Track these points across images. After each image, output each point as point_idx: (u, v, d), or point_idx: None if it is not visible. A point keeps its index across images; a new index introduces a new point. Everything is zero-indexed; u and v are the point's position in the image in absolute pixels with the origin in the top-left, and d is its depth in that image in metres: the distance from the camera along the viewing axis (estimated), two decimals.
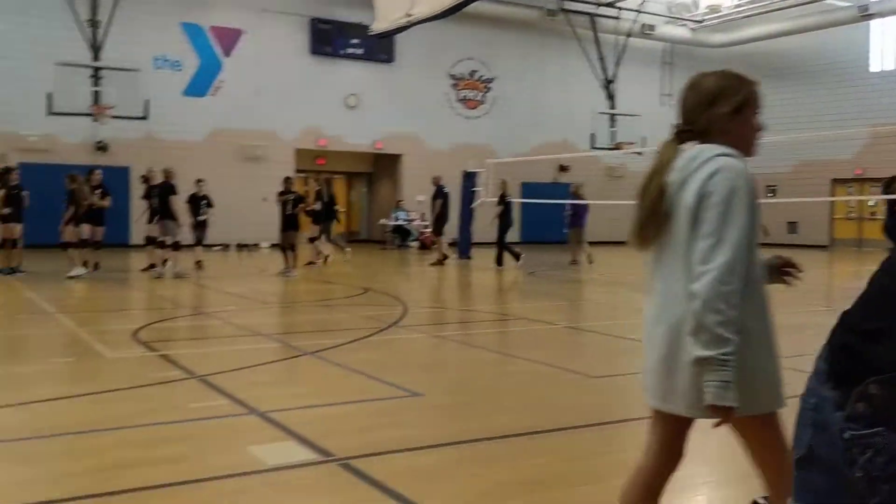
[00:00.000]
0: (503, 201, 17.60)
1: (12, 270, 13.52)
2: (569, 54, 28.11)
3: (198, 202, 15.12)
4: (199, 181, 15.34)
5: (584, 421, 4.89)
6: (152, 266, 14.18)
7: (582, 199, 18.98)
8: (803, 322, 9.81)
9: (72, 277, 13.08)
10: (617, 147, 25.36)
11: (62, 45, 20.37)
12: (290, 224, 14.82)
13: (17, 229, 13.65)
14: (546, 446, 4.36)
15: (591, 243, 19.49)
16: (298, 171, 24.90)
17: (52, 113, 19.03)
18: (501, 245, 17.57)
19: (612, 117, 26.72)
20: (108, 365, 6.49)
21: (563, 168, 28.45)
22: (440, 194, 18.48)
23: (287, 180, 15.38)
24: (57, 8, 20.14)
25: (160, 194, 14.19)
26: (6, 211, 13.48)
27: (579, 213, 18.86)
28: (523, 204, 26.67)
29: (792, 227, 29.26)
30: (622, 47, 26.77)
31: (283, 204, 14.85)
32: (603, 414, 5.12)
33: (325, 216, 16.81)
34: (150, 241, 14.50)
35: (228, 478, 3.73)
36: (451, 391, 5.74)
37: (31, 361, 6.74)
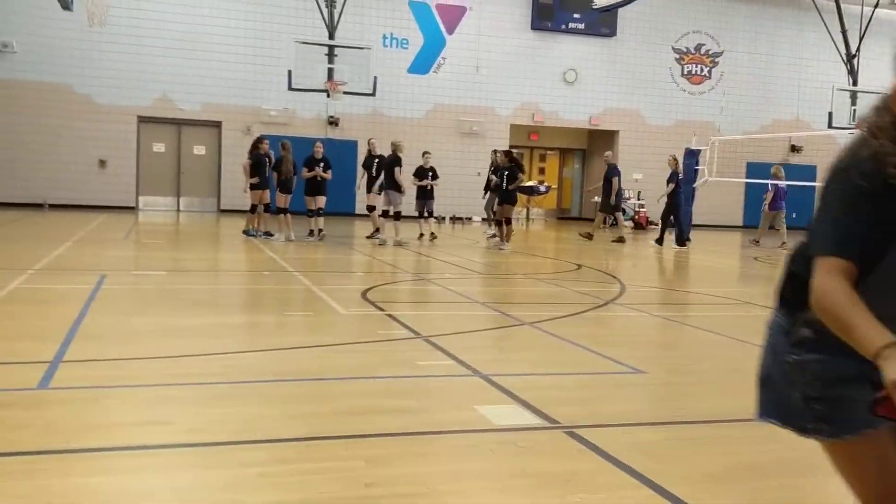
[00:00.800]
0: (674, 178, 16.80)
1: (266, 233, 14.77)
2: (805, 26, 26.15)
3: (425, 173, 15.70)
4: (425, 153, 15.95)
5: None
6: (376, 231, 14.94)
7: (781, 181, 18.06)
8: None
9: (277, 241, 14.11)
10: (858, 127, 23.26)
11: (302, 24, 21.85)
12: (506, 198, 14.99)
13: (266, 195, 14.81)
14: (777, 434, 4.11)
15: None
16: (512, 146, 25.15)
17: (291, 88, 20.46)
18: (679, 222, 16.94)
19: (854, 95, 24.53)
20: (342, 320, 6.94)
21: (794, 148, 26.62)
22: (614, 172, 17.91)
23: (507, 154, 15.65)
24: None
25: (386, 166, 14.87)
26: (255, 180, 14.68)
27: (779, 195, 18.05)
28: (747, 185, 25.31)
29: None
30: (869, 19, 24.44)
31: (501, 178, 15.05)
32: None
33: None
34: (371, 210, 15.26)
35: (459, 433, 3.87)
36: (676, 371, 5.59)
37: (276, 313, 7.36)
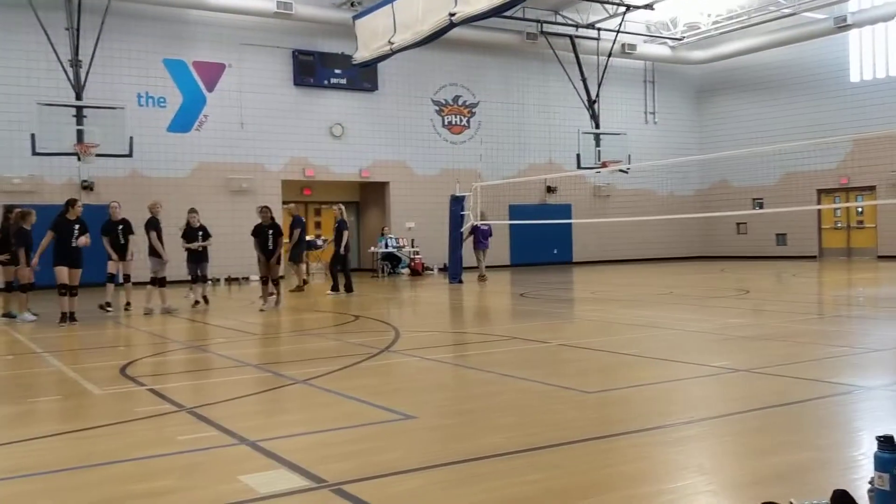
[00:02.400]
0: (342, 227, 17.61)
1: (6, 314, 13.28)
2: (551, 76, 28.31)
3: (194, 233, 14.74)
4: (192, 211, 15.05)
5: (580, 436, 4.82)
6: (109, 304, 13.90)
7: (486, 222, 20.70)
8: (798, 329, 9.78)
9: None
10: (603, 166, 25.45)
11: (44, 85, 20.39)
12: (274, 256, 14.08)
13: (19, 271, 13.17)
14: (542, 463, 4.27)
15: (583, 263, 19.58)
16: (285, 202, 24.87)
17: (36, 153, 18.95)
18: (346, 270, 17.73)
19: (597, 137, 26.85)
20: (96, 401, 6.38)
21: (550, 189, 28.53)
22: (298, 223, 18.65)
23: (264, 210, 14.44)
24: (38, 49, 20.17)
25: (146, 229, 14.06)
26: (4, 257, 13.20)
27: (481, 236, 20.53)
28: (511, 226, 26.72)
29: (781, 238, 29.39)
30: (604, 67, 26.98)
31: (262, 237, 14.04)
32: (599, 428, 5.04)
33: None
34: (110, 279, 14.03)
35: None
36: (445, 412, 5.65)
37: (14, 402, 6.60)
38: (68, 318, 12.11)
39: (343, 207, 18.39)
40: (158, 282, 14.04)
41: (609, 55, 26.97)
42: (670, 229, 30.33)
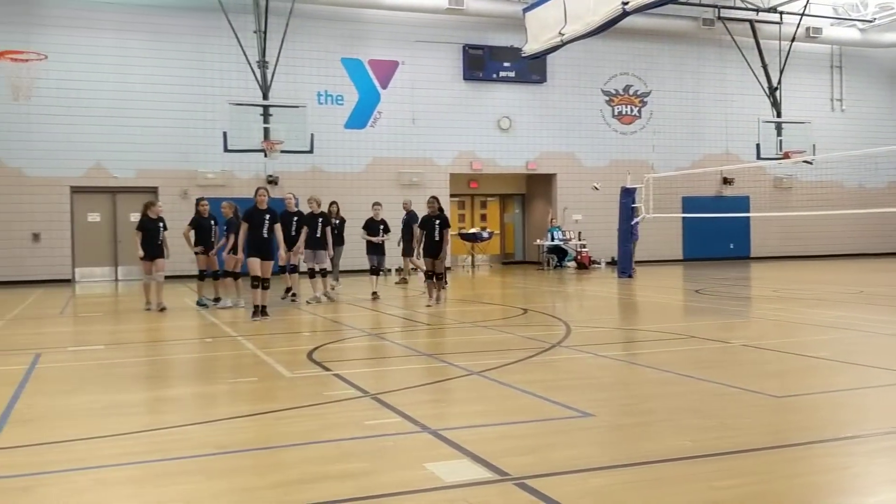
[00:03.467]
0: (412, 219, 17.17)
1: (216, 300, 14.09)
2: (728, 63, 27.12)
3: (375, 226, 15.39)
4: (375, 205, 15.68)
5: (770, 442, 4.62)
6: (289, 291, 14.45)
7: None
8: None
9: (226, 308, 13.40)
10: (785, 156, 24.06)
11: (235, 85, 21.85)
12: (440, 249, 13.52)
13: (212, 260, 14.10)
14: (733, 469, 4.14)
15: (762, 258, 18.68)
16: (452, 195, 25.34)
17: (227, 150, 20.33)
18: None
19: (779, 126, 25.41)
20: (288, 384, 6.79)
21: (726, 180, 27.36)
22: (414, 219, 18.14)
23: (431, 201, 13.86)
24: (230, 52, 21.62)
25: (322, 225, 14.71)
26: (199, 248, 14.13)
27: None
28: (684, 219, 25.90)
29: None
30: (786, 53, 25.49)
31: (429, 228, 13.58)
32: (790, 435, 4.81)
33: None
34: (289, 268, 14.49)
35: (409, 494, 3.78)
36: (623, 411, 5.58)
37: (216, 382, 7.17)
38: (260, 311, 11.82)
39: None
40: (319, 272, 14.49)
41: (792, 40, 25.45)
42: (860, 224, 28.27)
